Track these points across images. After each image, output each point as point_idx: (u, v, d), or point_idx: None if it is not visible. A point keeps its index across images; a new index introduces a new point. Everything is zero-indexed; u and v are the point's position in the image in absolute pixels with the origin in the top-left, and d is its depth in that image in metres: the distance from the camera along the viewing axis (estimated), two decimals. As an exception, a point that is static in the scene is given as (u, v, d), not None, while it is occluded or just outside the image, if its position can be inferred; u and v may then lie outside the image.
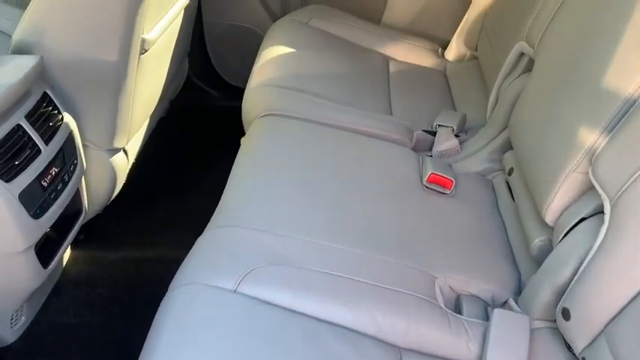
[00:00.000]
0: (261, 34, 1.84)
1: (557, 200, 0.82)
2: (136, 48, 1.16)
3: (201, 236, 0.91)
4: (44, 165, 1.05)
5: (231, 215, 0.91)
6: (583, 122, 0.81)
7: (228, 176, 1.63)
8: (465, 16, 1.62)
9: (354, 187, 1.03)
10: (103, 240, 1.45)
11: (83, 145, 1.23)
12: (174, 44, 1.48)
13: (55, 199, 1.09)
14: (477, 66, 1.56)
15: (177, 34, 1.49)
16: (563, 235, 0.80)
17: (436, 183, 1.08)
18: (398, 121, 1.27)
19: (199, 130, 1.94)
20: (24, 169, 1.00)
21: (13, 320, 1.14)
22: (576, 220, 0.79)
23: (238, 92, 1.88)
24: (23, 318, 1.18)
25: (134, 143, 1.41)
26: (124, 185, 1.40)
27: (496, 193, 1.12)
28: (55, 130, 1.11)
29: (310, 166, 1.05)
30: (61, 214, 1.13)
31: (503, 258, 0.97)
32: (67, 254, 1.40)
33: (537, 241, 0.89)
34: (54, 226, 1.16)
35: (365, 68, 1.50)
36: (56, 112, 1.13)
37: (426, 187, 1.08)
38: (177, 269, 1.37)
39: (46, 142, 1.07)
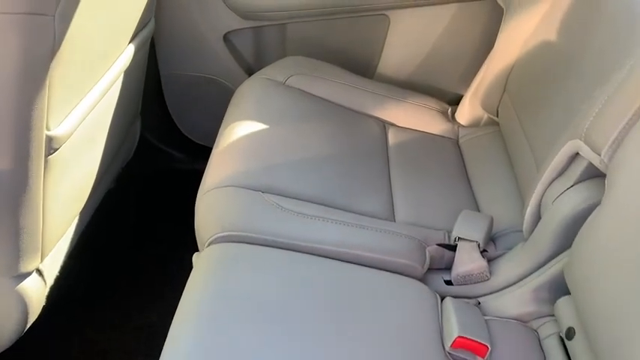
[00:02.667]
0: (230, 87, 1.52)
1: None
2: (37, 152, 0.83)
3: None
4: None
5: None
6: None
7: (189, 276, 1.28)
8: (482, 72, 1.30)
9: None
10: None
11: (-25, 274, 0.91)
12: (111, 117, 1.15)
13: None
14: (499, 136, 1.24)
15: (115, 105, 1.16)
16: None
17: (464, 349, 0.75)
18: (405, 233, 0.94)
19: (158, 202, 1.61)
20: None
21: None
22: None
23: (206, 152, 1.56)
24: None
25: (54, 257, 1.07)
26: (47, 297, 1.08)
27: (545, 354, 0.80)
28: None
29: (278, 337, 0.72)
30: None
31: None
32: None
33: None
34: None
35: (357, 144, 1.17)
36: None
37: (450, 353, 0.76)
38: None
39: None
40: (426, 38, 1.42)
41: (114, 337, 1.21)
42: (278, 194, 0.95)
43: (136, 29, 1.16)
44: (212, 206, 0.93)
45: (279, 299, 0.78)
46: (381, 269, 0.86)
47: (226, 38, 1.47)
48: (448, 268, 0.95)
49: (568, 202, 0.82)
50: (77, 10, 0.77)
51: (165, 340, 0.76)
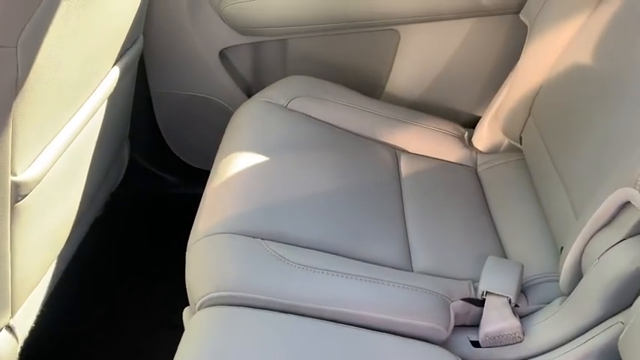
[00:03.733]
0: (227, 107, 1.40)
1: None
2: (2, 199, 0.72)
3: None
4: None
5: None
6: None
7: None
8: (503, 93, 1.19)
9: None
10: None
11: None
12: (93, 148, 1.03)
13: None
14: (522, 164, 1.13)
15: (98, 134, 1.04)
16: None
17: None
18: (425, 288, 0.82)
19: (151, 231, 1.49)
20: None
21: None
22: None
23: (201, 175, 1.45)
24: None
25: (28, 308, 0.95)
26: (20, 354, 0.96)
27: None
28: None
29: None
30: None
31: None
32: None
33: None
34: None
35: (367, 176, 1.06)
36: None
37: None
38: None
39: None
40: (440, 55, 1.31)
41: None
42: (280, 241, 0.84)
43: (121, 49, 1.05)
44: (204, 259, 0.81)
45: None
46: (399, 334, 0.75)
47: (222, 55, 1.36)
48: (474, 324, 0.83)
49: (619, 258, 0.70)
50: (44, 38, 0.66)
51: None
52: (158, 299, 1.31)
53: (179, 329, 0.82)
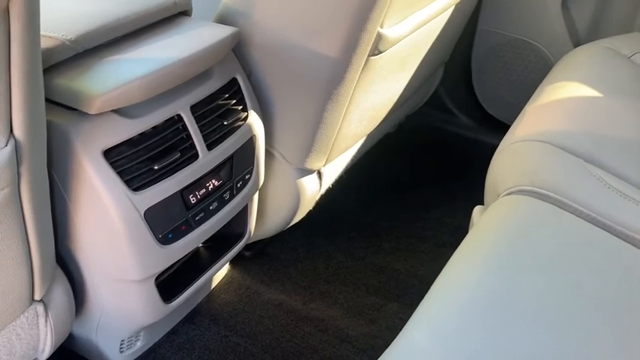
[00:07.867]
0: (549, 57, 1.35)
1: None
2: (365, 46, 0.81)
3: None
4: (197, 176, 0.77)
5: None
6: None
7: (437, 242, 1.19)
8: None
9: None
10: (265, 269, 1.17)
11: (268, 153, 0.94)
12: (426, 49, 1.09)
13: (202, 221, 0.80)
14: None
15: (434, 38, 1.10)
16: None
17: None
18: None
19: (430, 159, 1.55)
20: (164, 178, 0.73)
21: (123, 345, 0.92)
22: None
23: (496, 128, 1.44)
24: (139, 343, 0.95)
25: (335, 166, 1.07)
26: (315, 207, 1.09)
27: None
28: (230, 130, 0.82)
29: (587, 329, 0.57)
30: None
31: None
32: (223, 271, 1.15)
33: None
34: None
35: None
36: (240, 107, 0.84)
37: None
38: (339, 349, 1.03)
39: (211, 145, 0.79)
40: None
41: (355, 270, 1.18)
42: (603, 169, 0.79)
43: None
44: (521, 157, 0.80)
45: (589, 285, 0.62)
46: None
47: (564, 3, 1.30)
48: None
49: None
50: None
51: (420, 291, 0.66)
52: (422, 225, 1.34)
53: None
